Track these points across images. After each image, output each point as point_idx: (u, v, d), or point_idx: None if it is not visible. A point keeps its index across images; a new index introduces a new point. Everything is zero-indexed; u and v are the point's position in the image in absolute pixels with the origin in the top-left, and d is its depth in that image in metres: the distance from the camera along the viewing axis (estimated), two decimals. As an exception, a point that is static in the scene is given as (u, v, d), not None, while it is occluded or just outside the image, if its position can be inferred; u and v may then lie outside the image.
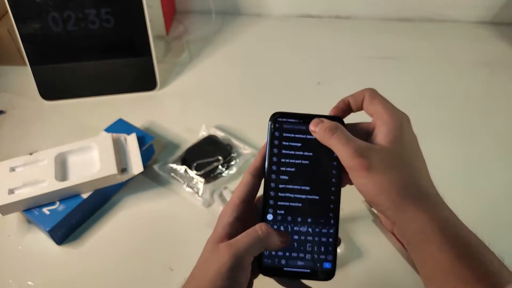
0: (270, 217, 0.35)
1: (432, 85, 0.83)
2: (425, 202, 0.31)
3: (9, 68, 0.88)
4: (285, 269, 0.34)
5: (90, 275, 0.55)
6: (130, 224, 0.61)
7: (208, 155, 0.65)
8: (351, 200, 0.62)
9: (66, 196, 0.58)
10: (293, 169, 0.35)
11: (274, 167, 0.35)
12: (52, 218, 0.56)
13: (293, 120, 0.37)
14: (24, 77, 0.83)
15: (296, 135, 0.36)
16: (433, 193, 0.32)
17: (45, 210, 0.57)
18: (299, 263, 0.34)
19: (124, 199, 0.63)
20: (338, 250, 0.54)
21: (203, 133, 0.71)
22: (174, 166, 0.66)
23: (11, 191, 0.57)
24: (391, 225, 0.33)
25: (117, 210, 0.62)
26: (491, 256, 0.30)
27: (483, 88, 0.82)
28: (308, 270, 0.34)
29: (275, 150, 0.36)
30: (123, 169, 0.61)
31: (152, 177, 0.66)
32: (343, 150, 0.32)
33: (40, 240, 0.58)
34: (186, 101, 0.82)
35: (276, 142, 0.36)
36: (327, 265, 0.34)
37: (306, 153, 0.36)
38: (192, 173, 0.64)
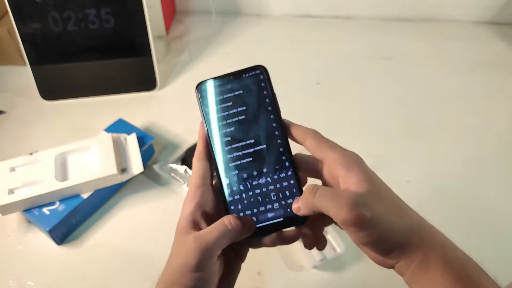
0: (227, 181, 0.35)
1: (432, 85, 0.83)
2: (421, 233, 0.30)
3: (9, 68, 0.88)
4: (257, 226, 0.34)
5: (90, 275, 0.55)
6: (130, 224, 0.61)
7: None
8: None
9: (66, 196, 0.58)
10: (232, 129, 0.35)
11: (215, 135, 0.35)
12: (52, 218, 0.56)
13: (216, 83, 0.37)
14: (24, 77, 0.83)
15: (223, 96, 0.36)
16: (422, 220, 0.32)
17: (45, 210, 0.57)
18: (269, 215, 0.34)
19: (124, 199, 0.63)
20: (338, 250, 0.54)
21: (203, 133, 0.71)
22: (174, 166, 0.66)
23: (11, 191, 0.57)
24: (388, 263, 0.32)
25: (117, 210, 0.62)
26: (486, 278, 0.31)
27: (482, 88, 0.82)
28: (281, 219, 0.34)
29: (210, 118, 0.36)
30: (123, 169, 0.61)
31: (152, 177, 0.66)
32: (334, 206, 0.29)
33: (40, 240, 0.58)
34: (186, 101, 0.82)
35: (208, 110, 0.36)
36: None
37: (239, 109, 0.36)
38: (192, 173, 0.64)
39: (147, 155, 0.67)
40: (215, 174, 0.36)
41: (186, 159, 0.66)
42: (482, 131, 0.73)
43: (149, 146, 0.66)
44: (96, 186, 0.59)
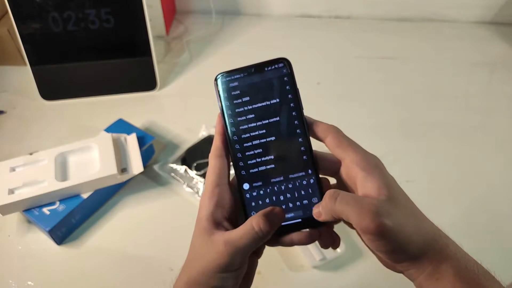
0: (245, 179, 0.33)
1: (432, 85, 0.83)
2: (435, 244, 0.30)
3: (9, 68, 0.88)
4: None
5: (90, 275, 0.55)
6: (130, 224, 0.61)
7: (208, 155, 0.65)
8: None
9: (66, 196, 0.58)
10: (252, 125, 0.34)
11: (233, 131, 0.34)
12: (52, 218, 0.56)
13: (237, 75, 0.34)
14: (24, 77, 0.83)
15: (244, 90, 0.34)
16: (436, 230, 0.32)
17: (45, 210, 0.57)
18: (289, 215, 0.33)
19: (124, 199, 0.63)
20: (338, 250, 0.54)
21: (203, 133, 0.71)
22: (174, 166, 0.66)
23: (11, 191, 0.57)
24: (397, 269, 0.32)
25: (117, 210, 0.62)
26: (497, 286, 0.30)
27: (483, 88, 0.82)
28: (300, 220, 0.33)
29: (230, 113, 0.34)
30: (123, 169, 0.61)
31: (152, 177, 0.66)
32: (356, 214, 0.28)
33: (40, 240, 0.58)
34: (186, 101, 0.82)
35: (227, 104, 0.34)
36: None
37: (260, 104, 0.34)
38: (192, 173, 0.64)
39: (147, 155, 0.67)
40: (232, 171, 0.35)
41: (186, 159, 0.66)
42: (482, 131, 0.73)
43: (149, 146, 0.66)
44: (96, 186, 0.59)
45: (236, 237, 0.30)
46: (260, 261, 0.55)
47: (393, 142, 0.71)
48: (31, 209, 0.57)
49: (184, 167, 0.65)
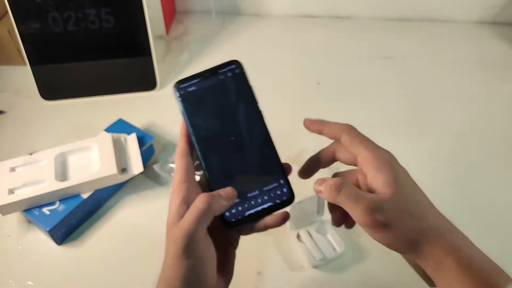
0: (211, 174, 0.36)
1: (432, 85, 0.83)
2: (438, 238, 0.31)
3: (9, 68, 0.88)
4: (247, 213, 0.35)
5: (90, 275, 0.55)
6: (130, 224, 0.61)
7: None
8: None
9: (66, 196, 0.58)
10: (213, 124, 0.36)
11: (196, 132, 0.36)
12: (52, 218, 0.56)
13: (194, 81, 0.37)
14: (24, 77, 0.83)
15: (202, 93, 0.37)
16: (441, 223, 0.33)
17: (45, 210, 0.57)
18: (257, 201, 0.36)
19: (123, 199, 0.63)
20: (338, 249, 0.54)
21: (203, 133, 0.71)
22: (174, 166, 0.66)
23: (11, 191, 0.57)
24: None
25: (117, 210, 0.62)
26: (506, 278, 0.31)
27: (483, 88, 0.82)
28: (269, 203, 0.36)
29: (191, 116, 0.36)
30: (123, 169, 0.61)
31: (152, 177, 0.66)
32: (354, 208, 0.31)
33: (40, 240, 0.58)
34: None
35: (187, 108, 0.36)
36: (282, 191, 0.36)
37: (218, 104, 0.37)
38: (192, 173, 0.64)
39: (147, 155, 0.67)
40: (201, 171, 0.37)
41: (186, 159, 0.66)
42: (482, 131, 0.73)
43: (149, 146, 0.66)
44: (96, 186, 0.59)
45: (184, 219, 0.32)
46: (260, 261, 0.55)
47: (393, 142, 0.71)
48: (31, 209, 0.57)
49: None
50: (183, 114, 0.36)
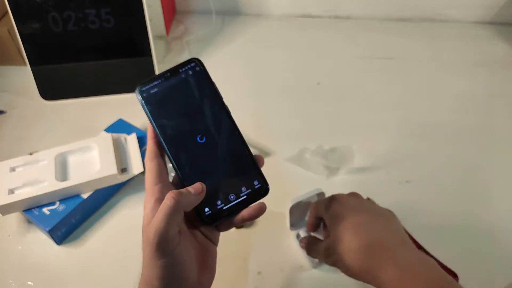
0: (184, 174, 0.36)
1: (432, 85, 0.83)
2: (373, 265, 0.38)
3: (9, 68, 0.88)
4: (224, 208, 0.35)
5: (90, 275, 0.55)
6: (130, 224, 0.61)
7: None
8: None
9: (66, 196, 0.58)
10: (180, 123, 0.36)
11: (164, 133, 0.36)
12: (52, 218, 0.56)
13: (155, 82, 0.37)
14: (24, 77, 0.83)
15: (165, 94, 0.37)
16: (379, 242, 0.40)
17: (45, 210, 0.57)
18: (232, 196, 0.36)
19: (124, 199, 0.63)
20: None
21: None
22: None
23: (11, 191, 0.57)
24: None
25: (117, 210, 0.62)
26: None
27: (483, 88, 0.82)
28: (244, 196, 0.36)
29: (156, 118, 0.36)
30: (123, 169, 0.61)
31: (152, 177, 0.66)
32: (317, 255, 0.49)
33: (40, 240, 0.58)
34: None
35: (152, 110, 0.37)
36: (256, 183, 0.36)
37: (182, 103, 0.37)
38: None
39: (147, 155, 0.67)
40: (174, 172, 0.37)
41: (186, 159, 0.66)
42: (482, 131, 0.73)
43: (149, 146, 0.66)
44: (96, 186, 0.59)
45: (154, 218, 0.32)
46: (260, 261, 0.55)
47: (393, 142, 0.71)
48: (31, 209, 0.57)
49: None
50: (148, 117, 0.36)
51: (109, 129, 0.68)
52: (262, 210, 0.36)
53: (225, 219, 0.36)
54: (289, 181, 0.62)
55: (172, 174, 0.39)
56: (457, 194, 0.63)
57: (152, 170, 0.35)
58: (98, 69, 0.80)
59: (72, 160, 0.62)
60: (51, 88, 0.80)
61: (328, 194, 0.62)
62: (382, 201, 0.61)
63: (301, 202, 0.53)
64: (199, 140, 0.36)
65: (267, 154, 0.67)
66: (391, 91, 0.82)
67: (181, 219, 0.33)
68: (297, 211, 0.54)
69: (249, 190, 0.36)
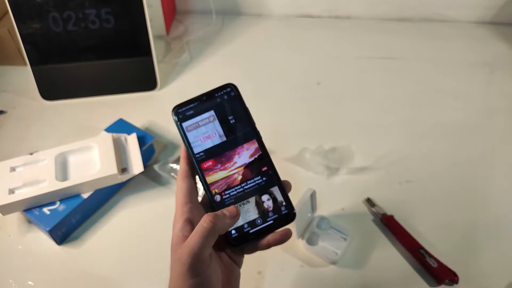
0: (214, 196, 0.37)
1: (431, 85, 0.83)
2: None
3: (9, 68, 0.88)
4: (251, 231, 0.36)
5: (90, 275, 0.55)
6: (130, 224, 0.61)
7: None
8: (351, 200, 0.62)
9: (66, 196, 0.58)
10: (213, 146, 0.37)
11: (199, 156, 0.37)
12: (52, 218, 0.56)
13: (191, 105, 0.38)
14: (24, 77, 0.83)
15: (200, 116, 0.38)
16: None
17: (46, 210, 0.57)
18: (259, 221, 0.36)
19: (124, 199, 0.63)
20: (338, 252, 0.54)
21: (203, 133, 0.71)
22: (174, 166, 0.66)
23: (11, 191, 0.57)
24: None
25: (117, 210, 0.62)
26: None
27: (482, 88, 0.82)
28: (271, 222, 0.36)
29: (191, 139, 0.38)
30: (123, 169, 0.61)
31: (152, 177, 0.66)
32: None
33: (40, 240, 0.58)
34: (186, 101, 0.82)
35: (187, 132, 0.38)
36: (283, 209, 0.36)
37: (216, 126, 0.38)
38: (192, 173, 0.64)
39: (148, 155, 0.67)
40: (203, 191, 0.38)
41: (186, 159, 0.66)
42: (482, 131, 0.73)
43: (149, 146, 0.66)
44: (96, 186, 0.59)
45: (190, 239, 0.32)
46: (260, 261, 0.55)
47: (393, 142, 0.71)
48: (31, 209, 0.57)
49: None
50: (182, 137, 0.37)
51: (109, 129, 0.68)
52: (288, 236, 0.36)
53: (251, 242, 0.37)
54: (289, 181, 0.62)
55: (200, 194, 0.39)
56: (457, 193, 0.63)
57: (183, 189, 0.36)
58: (98, 69, 0.80)
59: (72, 160, 0.62)
60: (51, 88, 0.80)
61: (328, 194, 0.62)
62: (382, 201, 0.61)
63: (301, 209, 0.53)
64: (231, 165, 0.37)
65: (267, 154, 0.68)
66: (391, 91, 0.82)
67: (215, 242, 0.33)
68: (299, 218, 0.54)
69: (276, 215, 0.36)
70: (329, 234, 0.56)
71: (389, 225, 0.57)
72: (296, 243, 0.56)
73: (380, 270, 0.54)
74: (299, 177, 0.65)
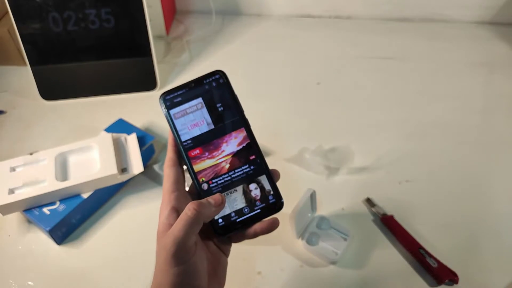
0: (201, 184, 0.37)
1: (431, 85, 0.83)
2: None
3: (9, 68, 0.88)
4: (238, 220, 0.36)
5: (90, 275, 0.55)
6: (130, 224, 0.61)
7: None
8: (351, 200, 0.62)
9: (66, 196, 0.58)
10: (201, 133, 0.37)
11: (186, 143, 0.37)
12: (52, 218, 0.56)
13: (179, 92, 0.38)
14: (24, 77, 0.83)
15: (188, 103, 0.38)
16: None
17: (45, 210, 0.57)
18: (246, 209, 0.36)
19: (124, 199, 0.63)
20: (338, 251, 0.54)
21: (203, 133, 0.71)
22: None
23: (11, 191, 0.57)
24: None
25: (117, 210, 0.62)
26: None
27: (482, 88, 0.82)
28: (259, 210, 0.36)
29: (178, 126, 0.37)
30: (123, 169, 0.61)
31: (152, 177, 0.66)
32: None
33: (40, 240, 0.58)
34: (186, 101, 0.82)
35: (174, 119, 0.37)
36: (271, 197, 0.36)
37: (204, 113, 0.37)
38: (192, 173, 0.64)
39: (148, 155, 0.67)
40: (190, 180, 0.37)
41: (186, 159, 0.66)
42: (482, 131, 0.73)
43: (149, 146, 0.66)
44: (96, 186, 0.59)
45: (174, 227, 0.32)
46: (260, 261, 0.55)
47: (393, 142, 0.71)
48: (31, 209, 0.57)
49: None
50: (170, 125, 0.37)
51: (109, 129, 0.68)
52: (275, 225, 0.36)
53: (237, 231, 0.36)
54: (289, 181, 0.62)
55: (188, 183, 0.39)
56: (457, 193, 0.63)
57: (170, 177, 0.36)
58: (98, 69, 0.80)
59: (72, 160, 0.62)
60: (51, 88, 0.80)
61: (328, 194, 0.62)
62: (382, 201, 0.61)
63: (301, 209, 0.53)
64: (218, 152, 0.37)
65: (267, 154, 0.68)
66: (391, 91, 0.82)
67: (199, 230, 0.33)
68: (299, 218, 0.54)
69: (263, 204, 0.36)
70: (329, 234, 0.56)
71: (389, 225, 0.57)
72: (296, 243, 0.56)
73: (380, 270, 0.54)
74: (299, 177, 0.65)
